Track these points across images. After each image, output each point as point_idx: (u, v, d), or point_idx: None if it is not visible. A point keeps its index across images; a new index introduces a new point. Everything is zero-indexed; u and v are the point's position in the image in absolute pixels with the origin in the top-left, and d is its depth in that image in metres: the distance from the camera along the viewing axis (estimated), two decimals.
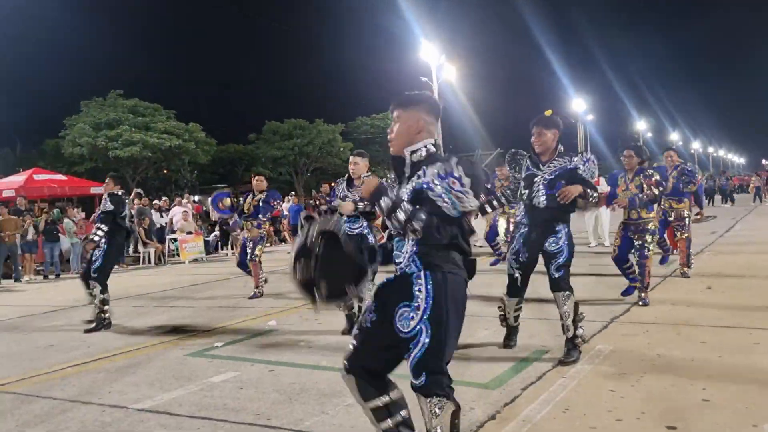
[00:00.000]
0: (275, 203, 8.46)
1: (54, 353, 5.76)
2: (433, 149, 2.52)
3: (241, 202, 8.92)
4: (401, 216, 2.34)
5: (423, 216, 2.33)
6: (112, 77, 74.09)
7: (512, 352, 4.69)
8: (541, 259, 4.58)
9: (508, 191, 5.05)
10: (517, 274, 4.63)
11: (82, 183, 20.42)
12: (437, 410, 2.37)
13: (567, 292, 4.47)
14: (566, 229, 4.51)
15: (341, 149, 33.71)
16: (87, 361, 5.37)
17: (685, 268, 7.70)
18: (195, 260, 15.58)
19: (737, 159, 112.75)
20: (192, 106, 64.26)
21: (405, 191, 2.47)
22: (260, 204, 8.27)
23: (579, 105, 45.14)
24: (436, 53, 27.26)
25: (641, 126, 67.45)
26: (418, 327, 2.37)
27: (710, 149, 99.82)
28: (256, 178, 8.54)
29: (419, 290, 2.39)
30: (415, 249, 2.41)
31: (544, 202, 4.46)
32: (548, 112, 4.56)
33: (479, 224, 13.22)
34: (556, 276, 4.48)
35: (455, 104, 34.23)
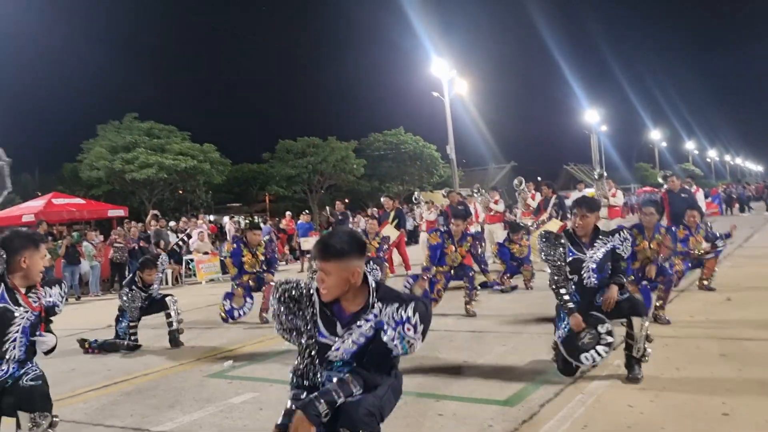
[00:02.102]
0: (275, 251, 9.07)
1: (75, 377, 5.83)
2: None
3: (229, 255, 8.39)
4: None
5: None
6: (128, 101, 75.22)
7: (530, 369, 4.68)
8: None
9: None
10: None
11: (100, 206, 20.64)
12: None
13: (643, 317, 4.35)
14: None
15: (354, 166, 33.80)
16: (108, 384, 5.43)
17: (706, 281, 7.63)
18: (212, 280, 15.68)
19: (755, 167, 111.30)
20: (206, 127, 65.03)
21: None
22: (265, 258, 8.32)
23: (592, 116, 45.10)
24: (448, 68, 27.43)
25: (656, 136, 67.18)
26: None
27: (727, 157, 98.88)
28: (254, 232, 8.39)
29: None
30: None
31: (596, 283, 4.35)
32: (591, 194, 4.52)
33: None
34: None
35: (467, 119, 34.40)
